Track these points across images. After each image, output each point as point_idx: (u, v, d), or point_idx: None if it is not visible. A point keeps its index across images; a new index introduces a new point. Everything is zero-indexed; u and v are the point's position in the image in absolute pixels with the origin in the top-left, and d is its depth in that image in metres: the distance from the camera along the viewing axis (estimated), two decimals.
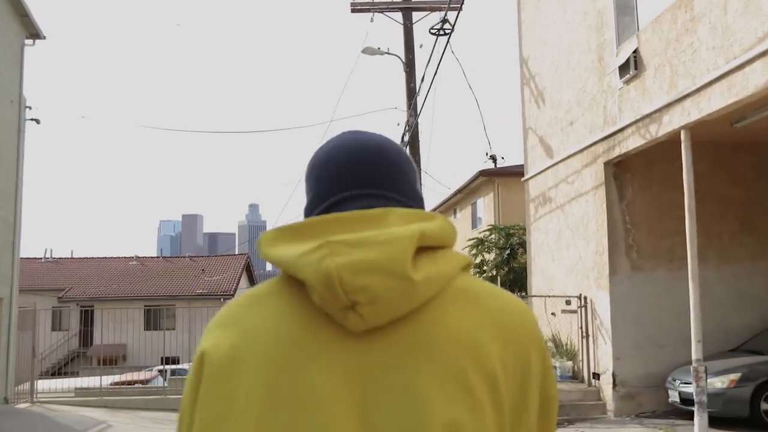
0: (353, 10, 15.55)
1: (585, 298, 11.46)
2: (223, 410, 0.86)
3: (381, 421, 0.83)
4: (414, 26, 15.11)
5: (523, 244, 16.63)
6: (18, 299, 15.49)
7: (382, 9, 15.38)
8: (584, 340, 11.42)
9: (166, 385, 15.83)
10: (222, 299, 32.80)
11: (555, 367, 11.79)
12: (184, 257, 43.86)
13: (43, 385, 15.62)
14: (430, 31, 12.63)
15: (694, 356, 7.94)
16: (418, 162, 14.26)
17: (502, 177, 20.13)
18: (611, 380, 10.51)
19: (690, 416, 9.27)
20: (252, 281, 42.78)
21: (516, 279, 17.06)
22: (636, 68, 9.53)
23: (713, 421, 8.10)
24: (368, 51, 15.90)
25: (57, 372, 26.46)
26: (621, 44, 10.13)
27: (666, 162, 10.52)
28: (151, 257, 42.94)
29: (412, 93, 14.97)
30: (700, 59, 7.95)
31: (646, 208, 10.87)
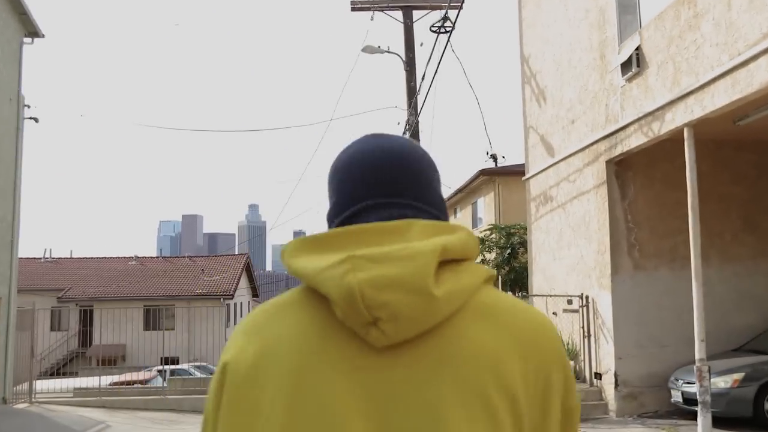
0: (353, 9, 15.48)
1: (587, 297, 11.39)
2: (246, 420, 0.88)
3: None
4: (414, 25, 15.05)
5: (524, 244, 16.57)
6: (17, 299, 15.42)
7: (383, 7, 15.30)
8: (586, 340, 11.35)
9: (165, 385, 15.77)
10: (221, 299, 32.75)
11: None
12: (183, 257, 43.80)
13: (41, 385, 15.55)
14: (430, 29, 12.56)
15: (697, 356, 7.87)
16: None
17: (503, 176, 20.08)
18: (613, 380, 10.44)
19: (693, 416, 9.20)
20: (252, 281, 42.75)
21: (517, 278, 17.00)
22: (638, 65, 9.46)
23: (716, 421, 8.03)
24: (368, 49, 15.82)
25: (56, 372, 26.38)
26: (623, 41, 10.07)
27: (668, 160, 10.45)
28: (151, 257, 42.86)
29: (412, 92, 14.90)
30: (704, 56, 7.88)
31: (648, 206, 10.81)
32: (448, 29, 12.44)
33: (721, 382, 8.73)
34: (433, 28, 12.53)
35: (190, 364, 23.94)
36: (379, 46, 15.76)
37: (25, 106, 15.25)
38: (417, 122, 14.70)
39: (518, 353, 0.88)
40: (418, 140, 14.71)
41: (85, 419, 12.70)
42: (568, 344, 12.01)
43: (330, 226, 1.02)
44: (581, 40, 11.67)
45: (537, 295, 13.46)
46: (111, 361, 26.05)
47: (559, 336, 0.95)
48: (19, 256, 16.30)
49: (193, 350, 27.88)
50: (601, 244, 10.93)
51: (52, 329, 31.00)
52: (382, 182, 0.98)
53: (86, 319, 31.36)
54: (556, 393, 0.90)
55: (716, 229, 10.70)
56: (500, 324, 0.89)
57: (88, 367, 25.91)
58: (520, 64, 14.74)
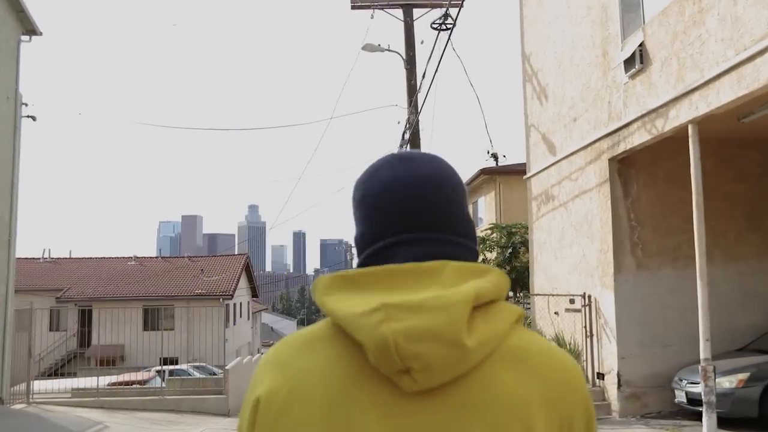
0: (353, 7, 15.38)
1: (589, 296, 11.28)
2: None
3: None
4: (415, 23, 14.95)
5: (525, 243, 16.48)
6: (14, 299, 15.31)
7: (383, 5, 15.20)
8: (588, 340, 11.24)
9: (164, 385, 15.67)
10: (221, 299, 32.64)
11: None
12: (182, 257, 43.70)
13: (39, 385, 15.45)
14: (431, 26, 12.46)
15: (702, 355, 7.77)
16: None
17: (504, 175, 19.99)
18: (616, 380, 10.34)
19: (697, 417, 9.11)
20: (251, 281, 42.64)
21: (518, 278, 16.90)
22: (642, 62, 9.36)
23: (721, 421, 7.93)
24: (368, 48, 15.72)
25: (55, 372, 26.27)
26: (626, 38, 9.97)
27: (671, 158, 10.37)
28: (150, 257, 42.74)
29: (412, 90, 14.80)
30: (709, 51, 7.78)
31: (651, 205, 10.71)
32: (449, 26, 12.34)
33: (726, 382, 8.62)
34: (434, 25, 12.44)
35: (189, 364, 23.84)
36: (379, 45, 15.66)
37: (23, 104, 15.14)
38: (417, 121, 14.60)
39: (546, 401, 0.89)
40: (419, 139, 14.61)
41: (83, 420, 12.60)
42: (570, 344, 11.91)
43: (359, 254, 1.03)
44: (583, 38, 11.58)
45: (538, 295, 13.36)
46: (110, 362, 25.92)
47: (584, 379, 0.97)
48: (18, 256, 16.20)
49: (193, 350, 27.80)
50: (603, 243, 10.83)
51: (50, 329, 30.88)
52: (415, 217, 0.98)
53: (85, 319, 31.28)
54: (579, 422, 0.92)
55: (720, 228, 10.60)
56: (530, 370, 0.91)
57: (86, 367, 25.79)
58: (521, 62, 14.64)
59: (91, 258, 40.23)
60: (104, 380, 16.87)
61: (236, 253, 46.56)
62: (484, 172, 20.55)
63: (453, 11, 12.64)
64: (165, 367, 17.65)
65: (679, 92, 8.34)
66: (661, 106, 8.81)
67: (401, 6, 15.03)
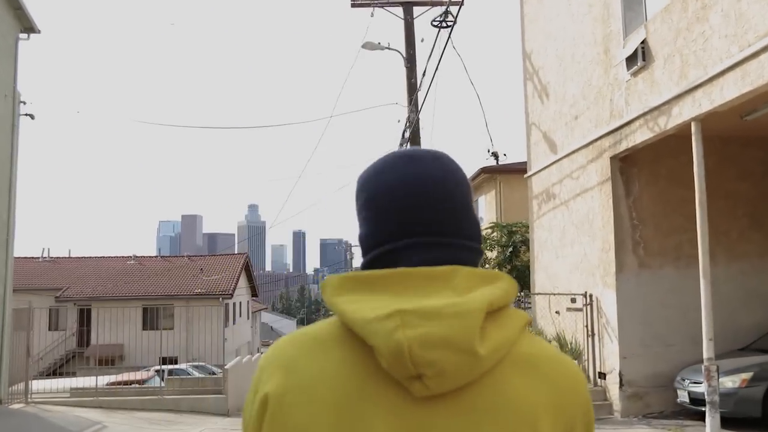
0: (353, 5, 15.33)
1: (590, 296, 11.21)
2: None
3: None
4: (415, 21, 14.88)
5: (525, 242, 16.40)
6: (12, 298, 15.23)
7: (383, 3, 15.14)
8: (590, 339, 11.17)
9: (163, 385, 15.61)
10: (220, 299, 32.57)
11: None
12: (182, 257, 43.62)
13: (37, 385, 15.38)
14: (432, 23, 12.40)
15: (705, 355, 7.70)
16: None
17: (504, 174, 19.91)
18: (618, 380, 10.26)
19: (699, 416, 9.04)
20: (251, 280, 42.56)
21: (519, 277, 16.81)
22: (644, 59, 9.28)
23: (724, 421, 7.85)
24: (368, 46, 15.65)
25: (54, 372, 26.21)
26: (628, 35, 9.89)
27: (673, 156, 10.30)
28: (150, 257, 42.66)
29: (413, 88, 14.74)
30: (712, 48, 7.70)
31: (653, 203, 10.64)
32: (449, 24, 12.28)
33: (729, 382, 8.55)
34: (435, 23, 12.37)
35: (189, 363, 23.79)
36: (379, 43, 15.59)
37: (21, 102, 15.06)
38: (417, 119, 14.53)
39: (554, 407, 0.91)
40: (419, 137, 14.54)
41: (82, 420, 12.53)
42: (571, 343, 11.84)
43: (365, 253, 1.03)
44: (585, 35, 11.50)
45: (540, 294, 13.30)
46: (109, 361, 25.86)
47: (587, 385, 1.00)
48: (18, 255, 16.14)
49: (192, 350, 27.72)
50: (605, 242, 10.76)
51: (50, 329, 30.83)
52: (423, 220, 0.99)
53: (84, 318, 31.20)
54: (581, 427, 0.95)
55: (722, 227, 10.53)
56: (540, 376, 0.93)
57: (86, 366, 25.70)
58: (522, 60, 14.57)
59: (90, 257, 40.17)
60: (103, 380, 16.80)
61: (236, 252, 46.49)
62: (484, 170, 20.47)
63: (453, 9, 12.58)
64: (164, 367, 17.60)
65: (682, 89, 8.27)
66: (664, 104, 8.73)
67: (401, 4, 14.96)
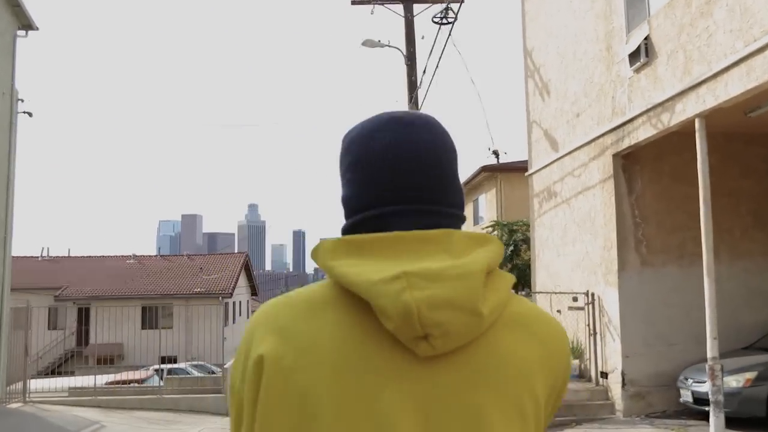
0: (353, 2, 15.24)
1: (592, 294, 11.13)
2: (291, 418, 0.89)
3: None
4: (416, 18, 14.79)
5: (526, 241, 16.32)
6: (10, 297, 15.15)
7: (383, 1, 15.05)
8: (591, 338, 11.09)
9: (162, 384, 15.52)
10: (220, 298, 32.47)
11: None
12: (182, 256, 43.54)
13: (36, 384, 15.30)
14: (432, 20, 12.32)
15: (709, 354, 7.61)
16: None
17: (505, 172, 19.82)
18: (620, 379, 10.18)
19: (702, 416, 8.95)
20: (250, 280, 42.47)
21: (519, 276, 16.74)
22: (647, 56, 9.19)
23: (728, 421, 7.75)
24: (368, 43, 15.56)
25: (53, 371, 26.12)
26: (631, 31, 9.80)
27: (676, 154, 10.22)
28: (149, 256, 42.57)
29: (413, 86, 14.66)
30: (717, 43, 7.61)
31: (655, 201, 10.55)
32: (450, 21, 12.20)
33: (733, 381, 8.47)
34: (435, 19, 12.28)
35: (188, 363, 23.70)
36: (379, 41, 15.50)
37: (19, 100, 14.96)
38: None
39: (545, 364, 0.96)
40: None
41: (80, 419, 12.46)
42: (573, 342, 11.75)
43: (348, 216, 1.03)
44: (586, 32, 11.41)
45: (541, 292, 13.21)
46: (108, 360, 25.76)
47: (569, 343, 1.06)
48: (17, 254, 16.06)
49: (191, 349, 27.65)
50: (607, 240, 10.68)
51: (49, 328, 30.76)
52: (413, 186, 0.99)
53: (83, 317, 31.10)
54: (561, 391, 1.01)
55: (726, 225, 10.44)
56: (531, 336, 0.96)
57: (85, 366, 25.63)
58: (523, 58, 14.48)
59: (89, 256, 40.08)
60: (102, 379, 16.72)
61: (236, 251, 46.42)
62: (485, 169, 20.39)
63: (454, 6, 12.50)
64: (163, 366, 17.52)
65: (685, 86, 8.18)
66: (667, 100, 8.64)
67: (401, 1, 14.87)
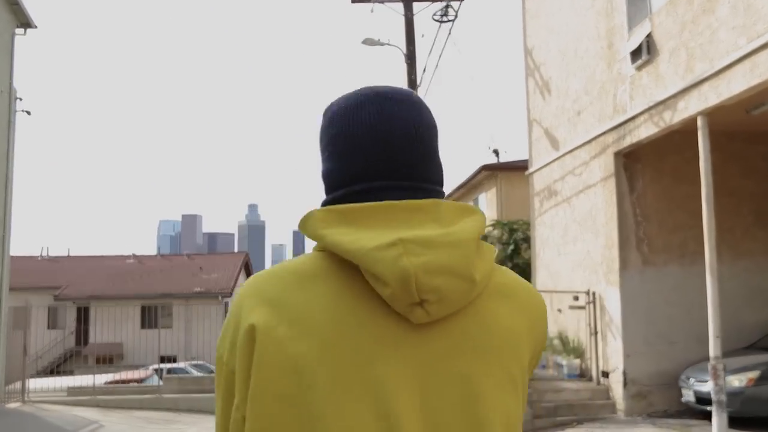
0: (353, 1, 15.18)
1: (593, 293, 11.07)
2: (289, 389, 0.88)
3: (441, 406, 0.90)
4: (416, 16, 14.74)
5: (527, 240, 16.27)
6: (8, 297, 15.09)
7: None
8: (593, 337, 11.03)
9: (161, 384, 15.47)
10: (220, 297, 32.42)
11: (562, 365, 11.41)
12: (181, 255, 43.47)
13: (35, 384, 15.25)
14: (433, 18, 12.26)
15: (712, 353, 7.56)
16: None
17: (505, 171, 19.76)
18: (621, 378, 10.12)
19: (704, 416, 8.90)
20: None
21: (520, 275, 16.62)
22: (649, 53, 9.13)
23: (731, 421, 7.71)
24: (368, 42, 15.51)
25: (53, 371, 26.07)
26: (632, 29, 9.74)
27: (677, 152, 10.16)
28: (149, 255, 42.51)
29: (413, 85, 14.60)
30: (719, 40, 7.55)
31: (657, 200, 10.49)
32: (450, 18, 12.14)
33: (736, 381, 8.40)
34: (435, 18, 12.23)
35: (188, 362, 23.66)
36: (379, 39, 15.45)
37: (17, 98, 14.90)
38: None
39: (530, 333, 0.99)
40: None
41: (78, 419, 12.41)
42: (573, 341, 11.70)
43: (330, 190, 1.02)
44: (588, 29, 11.36)
45: (542, 291, 13.16)
46: (108, 360, 25.73)
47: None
48: (17, 254, 16.01)
49: (191, 349, 27.61)
50: (608, 239, 10.62)
51: (49, 327, 30.72)
52: (397, 162, 0.99)
53: (83, 317, 31.06)
54: (540, 355, 1.05)
55: (727, 224, 10.38)
56: (517, 305, 0.99)
57: (84, 365, 25.58)
58: (524, 56, 14.43)
59: (89, 256, 40.03)
60: (101, 379, 16.67)
61: (236, 251, 46.38)
62: (485, 168, 20.33)
63: (454, 3, 12.44)
64: (163, 366, 17.48)
65: (688, 83, 8.12)
66: (670, 98, 8.58)
67: (401, 0, 14.82)
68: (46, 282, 33.39)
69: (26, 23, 14.82)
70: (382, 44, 15.39)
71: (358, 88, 1.06)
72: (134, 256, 39.23)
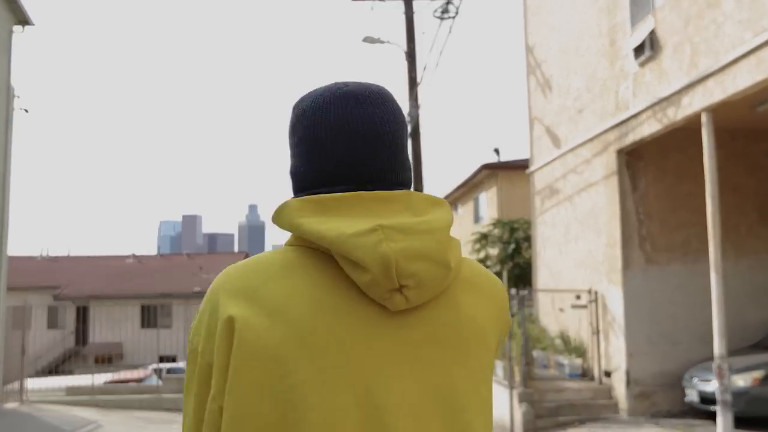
0: None
1: (595, 292, 10.97)
2: (268, 379, 0.88)
3: (420, 393, 0.91)
4: (416, 14, 14.64)
5: (527, 239, 16.19)
6: (7, 297, 14.99)
7: None
8: (594, 337, 10.93)
9: (160, 383, 15.38)
10: None
11: (563, 365, 11.31)
12: (181, 255, 43.37)
13: (33, 384, 15.17)
14: (433, 15, 12.16)
15: (716, 352, 7.46)
16: (419, 155, 13.79)
17: (506, 170, 19.67)
18: (624, 378, 10.03)
19: (708, 416, 8.81)
20: None
21: (521, 274, 16.61)
22: (652, 49, 9.04)
23: (736, 421, 7.61)
24: (369, 40, 15.40)
25: (52, 371, 25.98)
26: (635, 25, 9.65)
27: (680, 150, 10.08)
28: (149, 255, 42.42)
29: (413, 83, 14.51)
30: (725, 35, 7.46)
31: (659, 198, 10.40)
32: (451, 15, 12.05)
33: (740, 380, 8.30)
34: (436, 14, 12.13)
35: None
36: (379, 37, 15.35)
37: (15, 96, 14.80)
38: (418, 114, 14.30)
39: (494, 319, 1.03)
40: (419, 134, 14.30)
41: (77, 419, 12.32)
42: (575, 341, 11.61)
43: (300, 189, 1.03)
44: (589, 26, 11.26)
45: (543, 290, 13.07)
46: (107, 360, 25.65)
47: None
48: (16, 253, 15.92)
49: None
50: (610, 238, 10.53)
51: (48, 327, 30.63)
52: (368, 166, 1.00)
53: (82, 317, 30.97)
54: (504, 336, 1.08)
55: (731, 222, 10.30)
56: (481, 294, 1.03)
57: (84, 365, 25.49)
58: (525, 54, 14.34)
59: (89, 256, 39.95)
60: (100, 378, 16.59)
61: (236, 251, 46.28)
62: (485, 167, 20.23)
63: (455, 0, 12.34)
64: (162, 365, 17.38)
65: (692, 79, 8.02)
66: (673, 94, 8.49)
67: None
68: (46, 282, 33.30)
69: (24, 20, 14.71)
70: (383, 42, 15.30)
71: (328, 84, 1.06)
72: (134, 256, 39.15)
